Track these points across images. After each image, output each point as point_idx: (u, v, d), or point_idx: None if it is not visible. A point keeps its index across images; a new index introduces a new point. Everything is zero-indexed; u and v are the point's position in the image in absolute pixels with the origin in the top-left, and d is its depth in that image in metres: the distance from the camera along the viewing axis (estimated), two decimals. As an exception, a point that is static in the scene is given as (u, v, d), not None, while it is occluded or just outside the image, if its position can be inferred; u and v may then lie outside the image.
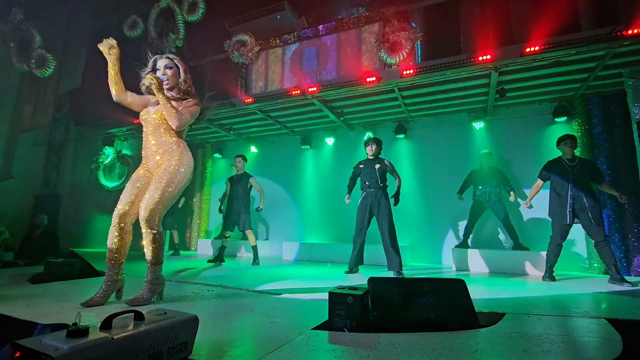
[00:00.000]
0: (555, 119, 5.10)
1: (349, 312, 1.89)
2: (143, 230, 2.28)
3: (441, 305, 2.01)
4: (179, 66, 2.60)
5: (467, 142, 5.74)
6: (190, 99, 2.57)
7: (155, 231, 2.29)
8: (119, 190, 7.91)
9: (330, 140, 6.73)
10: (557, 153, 4.11)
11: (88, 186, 8.08)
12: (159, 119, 2.45)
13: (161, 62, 2.56)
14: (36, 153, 7.77)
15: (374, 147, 4.41)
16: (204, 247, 6.97)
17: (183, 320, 1.34)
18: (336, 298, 1.93)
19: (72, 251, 3.49)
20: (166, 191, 2.32)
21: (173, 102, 2.49)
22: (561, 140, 3.98)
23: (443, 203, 5.72)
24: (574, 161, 3.86)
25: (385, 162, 4.38)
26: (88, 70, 6.46)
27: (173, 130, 2.46)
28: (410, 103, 5.48)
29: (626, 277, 3.62)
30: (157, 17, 6.18)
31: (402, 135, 6.08)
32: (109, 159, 7.83)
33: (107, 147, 7.71)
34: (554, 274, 3.84)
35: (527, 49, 4.06)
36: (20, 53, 5.84)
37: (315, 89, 5.09)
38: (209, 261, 5.22)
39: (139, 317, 1.28)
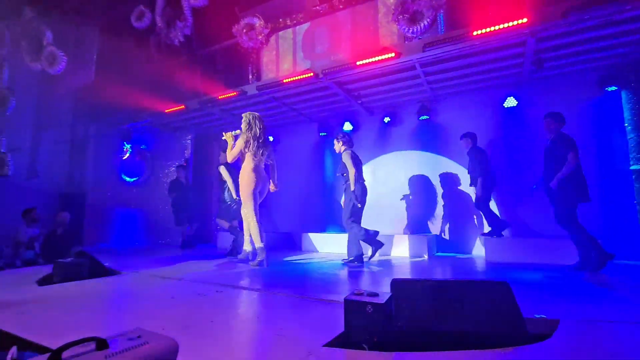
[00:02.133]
0: (605, 89, 4.45)
1: (369, 324, 1.57)
2: None
3: (481, 314, 1.65)
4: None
5: (498, 122, 5.18)
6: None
7: (248, 220, 3.89)
8: (138, 185, 8.00)
9: (348, 126, 6.34)
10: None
11: (110, 182, 8.13)
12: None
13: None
14: (59, 151, 7.86)
15: (337, 144, 4.34)
16: (225, 240, 6.81)
17: (158, 349, 1.07)
18: (353, 307, 1.62)
19: (82, 250, 3.38)
20: (240, 197, 4.03)
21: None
22: None
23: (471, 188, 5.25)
24: (549, 142, 3.64)
25: (342, 154, 4.25)
26: (100, 65, 6.36)
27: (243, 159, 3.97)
28: (434, 80, 4.99)
29: None
30: (164, 5, 5.95)
31: (425, 117, 5.60)
32: (127, 154, 7.83)
33: (125, 142, 7.69)
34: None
35: (571, 8, 3.49)
36: (32, 51, 5.80)
37: (328, 70, 4.71)
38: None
39: (101, 345, 1.02)
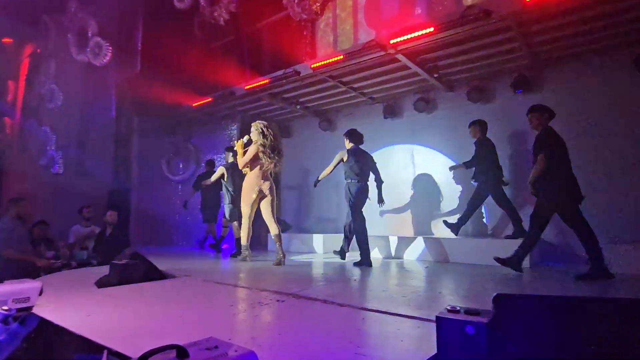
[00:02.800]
0: None
1: (470, 348, 1.53)
2: None
3: (619, 340, 1.51)
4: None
5: (631, 92, 4.59)
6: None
7: (243, 220, 4.73)
8: (184, 181, 8.64)
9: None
10: None
11: (155, 178, 8.90)
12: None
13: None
14: (105, 147, 8.80)
15: (345, 141, 4.89)
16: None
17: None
18: (448, 326, 1.58)
19: (136, 252, 3.76)
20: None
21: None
22: None
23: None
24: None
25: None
26: (144, 56, 6.95)
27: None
28: (538, 42, 4.61)
29: None
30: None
31: (522, 90, 5.21)
32: (172, 150, 8.49)
33: (170, 137, 8.36)
34: None
35: None
36: (78, 43, 6.55)
37: (398, 39, 4.60)
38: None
39: (181, 354, 1.14)
